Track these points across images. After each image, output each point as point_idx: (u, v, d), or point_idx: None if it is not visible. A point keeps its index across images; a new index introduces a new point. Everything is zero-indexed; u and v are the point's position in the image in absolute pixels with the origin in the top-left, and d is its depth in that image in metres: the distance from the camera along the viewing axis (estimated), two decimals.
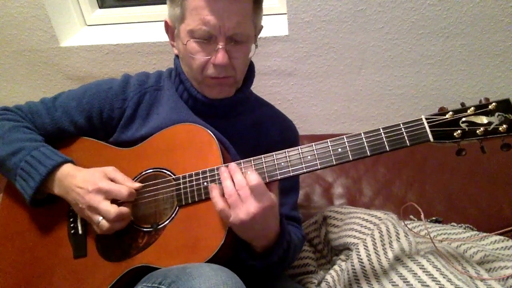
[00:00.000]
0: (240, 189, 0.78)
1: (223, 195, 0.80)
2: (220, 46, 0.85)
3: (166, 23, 0.96)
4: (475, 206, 1.35)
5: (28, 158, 0.88)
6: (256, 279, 0.91)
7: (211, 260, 0.80)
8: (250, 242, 0.85)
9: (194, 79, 0.95)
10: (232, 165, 0.83)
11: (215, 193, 0.81)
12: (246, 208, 0.77)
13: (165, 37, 1.00)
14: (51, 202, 0.93)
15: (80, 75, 1.76)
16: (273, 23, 1.60)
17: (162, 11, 1.72)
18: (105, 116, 0.99)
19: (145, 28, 1.73)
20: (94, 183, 0.84)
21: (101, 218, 0.83)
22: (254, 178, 0.78)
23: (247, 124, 1.02)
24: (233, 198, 0.78)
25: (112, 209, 0.82)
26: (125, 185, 0.86)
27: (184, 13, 0.87)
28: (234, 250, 0.87)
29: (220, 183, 0.83)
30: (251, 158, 0.86)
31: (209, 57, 0.88)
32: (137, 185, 0.89)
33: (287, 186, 1.05)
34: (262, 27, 0.97)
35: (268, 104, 1.12)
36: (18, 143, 0.91)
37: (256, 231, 0.81)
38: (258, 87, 1.10)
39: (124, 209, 0.84)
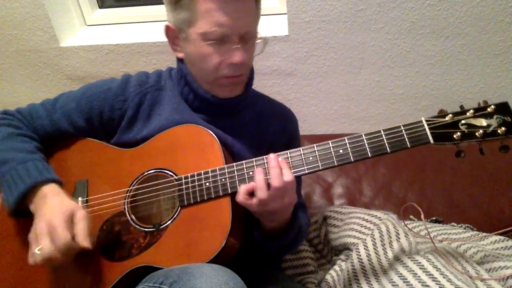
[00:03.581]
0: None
1: (251, 194, 0.83)
2: (238, 46, 0.87)
3: (167, 27, 0.94)
4: (475, 206, 1.35)
5: (13, 172, 0.87)
6: (268, 261, 0.99)
7: (213, 261, 0.80)
8: (272, 218, 0.89)
9: (205, 81, 0.95)
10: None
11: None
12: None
13: (165, 37, 1.00)
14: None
15: (80, 75, 1.76)
16: (273, 23, 1.60)
17: (162, 11, 1.71)
18: (105, 117, 0.98)
19: (145, 28, 1.73)
20: (50, 216, 0.80)
21: (37, 249, 0.78)
22: (273, 161, 0.83)
23: (249, 119, 1.03)
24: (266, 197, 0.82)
25: (46, 249, 0.77)
26: (80, 239, 0.79)
27: (195, 16, 0.86)
28: (236, 251, 0.87)
29: (224, 184, 0.86)
30: (253, 159, 0.86)
31: (224, 57, 0.88)
32: (88, 245, 0.79)
33: None
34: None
35: (263, 95, 1.13)
36: (8, 153, 0.90)
37: (281, 204, 0.84)
38: (258, 87, 1.10)
39: (55, 256, 0.77)
